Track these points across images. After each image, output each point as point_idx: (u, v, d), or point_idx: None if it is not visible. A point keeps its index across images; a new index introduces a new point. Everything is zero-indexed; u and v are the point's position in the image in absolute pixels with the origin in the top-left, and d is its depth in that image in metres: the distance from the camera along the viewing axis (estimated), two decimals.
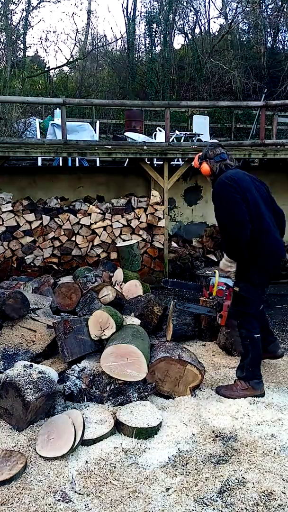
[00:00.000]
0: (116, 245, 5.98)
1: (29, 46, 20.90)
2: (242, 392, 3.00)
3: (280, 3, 17.28)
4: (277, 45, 18.41)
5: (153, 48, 17.61)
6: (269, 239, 2.97)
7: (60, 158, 8.58)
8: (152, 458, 2.38)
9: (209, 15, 21.21)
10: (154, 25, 17.58)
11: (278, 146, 7.52)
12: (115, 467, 2.30)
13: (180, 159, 8.28)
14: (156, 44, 18.11)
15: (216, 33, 19.25)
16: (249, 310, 3.03)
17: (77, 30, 23.02)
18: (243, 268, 3.03)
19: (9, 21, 16.52)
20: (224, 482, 2.19)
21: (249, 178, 3.07)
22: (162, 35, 18.08)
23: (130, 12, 18.83)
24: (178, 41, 34.26)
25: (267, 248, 2.96)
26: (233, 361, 3.67)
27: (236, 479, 2.21)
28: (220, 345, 3.93)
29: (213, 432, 2.63)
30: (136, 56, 18.86)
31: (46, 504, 2.03)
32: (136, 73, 17.83)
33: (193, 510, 2.01)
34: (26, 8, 17.11)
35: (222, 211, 2.94)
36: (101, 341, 3.21)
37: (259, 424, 2.72)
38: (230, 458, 2.39)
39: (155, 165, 7.79)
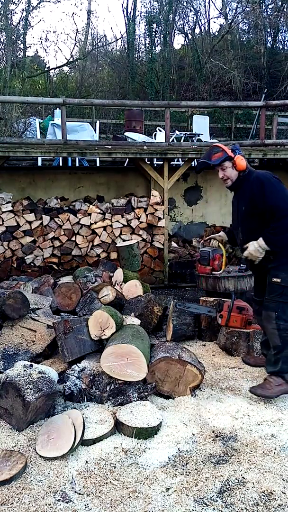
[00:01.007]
0: (116, 245, 5.98)
1: (29, 46, 20.97)
2: (277, 388, 2.95)
3: (280, 3, 17.28)
4: (277, 45, 18.43)
5: (153, 48, 17.61)
6: None
7: (60, 158, 8.59)
8: (152, 458, 2.38)
9: (209, 15, 21.19)
10: (154, 25, 17.59)
11: (278, 146, 7.52)
12: (115, 467, 2.30)
13: (180, 159, 8.28)
14: (156, 44, 18.12)
15: (216, 33, 19.27)
16: (287, 299, 3.02)
17: (77, 30, 23.04)
18: (284, 257, 2.98)
19: (9, 21, 16.52)
20: (224, 482, 2.19)
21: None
22: (162, 35, 18.09)
23: (130, 12, 18.85)
24: (178, 41, 34.29)
25: None
26: (233, 361, 3.67)
27: (236, 479, 2.21)
28: (220, 345, 3.93)
29: (213, 432, 2.63)
30: (136, 56, 18.85)
31: (46, 504, 2.03)
32: (136, 73, 17.82)
33: (193, 510, 2.01)
34: (26, 8, 17.12)
35: (276, 194, 2.94)
36: (101, 341, 3.21)
37: (259, 424, 2.72)
38: (230, 458, 2.39)
39: (155, 165, 7.79)
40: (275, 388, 2.94)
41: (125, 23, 18.83)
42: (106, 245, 6.45)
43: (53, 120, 9.30)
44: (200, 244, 3.57)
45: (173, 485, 2.16)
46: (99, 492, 2.11)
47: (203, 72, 17.08)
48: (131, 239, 6.29)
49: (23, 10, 17.16)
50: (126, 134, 9.37)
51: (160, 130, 9.94)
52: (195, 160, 6.79)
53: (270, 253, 3.00)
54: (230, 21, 18.07)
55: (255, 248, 3.01)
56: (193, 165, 6.98)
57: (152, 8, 18.48)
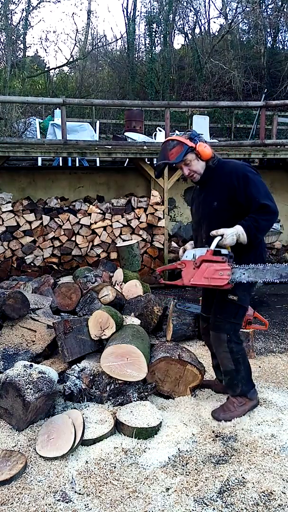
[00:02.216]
0: (116, 245, 5.98)
1: (29, 46, 20.98)
2: (241, 408, 2.75)
3: (280, 3, 17.28)
4: (277, 45, 18.44)
5: (153, 48, 17.61)
6: (265, 244, 2.82)
7: (60, 158, 8.59)
8: (152, 458, 2.38)
9: (209, 15, 21.22)
10: (154, 25, 17.58)
11: (278, 146, 7.52)
12: (115, 467, 2.30)
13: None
14: (156, 44, 18.12)
15: (216, 33, 19.27)
16: (241, 321, 2.78)
17: (77, 30, 23.04)
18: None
19: (9, 21, 16.52)
20: (224, 482, 2.19)
21: None
22: (162, 35, 18.08)
23: (130, 12, 18.85)
24: (178, 41, 34.29)
25: (264, 248, 2.79)
26: None
27: (236, 479, 2.21)
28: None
29: (213, 432, 2.63)
30: (136, 56, 18.86)
31: (46, 504, 2.03)
32: (136, 73, 17.83)
33: (193, 510, 2.01)
34: (26, 8, 17.12)
35: (258, 185, 2.54)
36: (101, 341, 3.21)
37: (259, 424, 2.72)
38: (230, 458, 2.39)
39: (155, 165, 7.79)
40: (238, 408, 2.75)
41: (125, 23, 18.85)
42: (106, 245, 6.45)
43: (53, 120, 9.30)
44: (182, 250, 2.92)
45: (173, 485, 2.16)
46: (99, 492, 2.11)
47: (203, 72, 17.08)
48: (131, 239, 6.29)
49: (23, 10, 17.18)
50: (126, 134, 9.38)
51: (160, 130, 9.94)
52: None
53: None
54: (230, 21, 18.07)
55: (233, 231, 2.51)
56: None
57: (152, 8, 18.49)
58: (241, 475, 2.24)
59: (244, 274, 2.52)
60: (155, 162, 7.92)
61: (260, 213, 2.50)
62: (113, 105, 11.64)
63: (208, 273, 2.53)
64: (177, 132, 10.14)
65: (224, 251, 2.54)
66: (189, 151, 2.59)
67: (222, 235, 2.51)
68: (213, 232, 2.53)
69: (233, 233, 2.50)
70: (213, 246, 2.54)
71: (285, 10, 17.10)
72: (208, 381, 3.21)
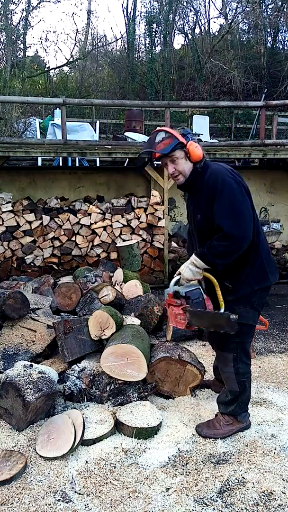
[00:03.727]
0: (116, 245, 5.98)
1: (29, 46, 20.99)
2: (227, 427, 2.57)
3: (280, 3, 17.28)
4: (277, 45, 18.45)
5: (153, 48, 17.61)
6: (269, 251, 2.49)
7: (60, 158, 8.59)
8: (152, 458, 2.38)
9: (209, 15, 21.26)
10: (154, 25, 17.58)
11: (278, 146, 7.52)
12: (115, 467, 2.30)
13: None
14: (156, 44, 18.12)
15: (216, 33, 19.28)
16: (249, 339, 2.52)
17: (77, 30, 23.06)
18: (244, 288, 2.40)
19: (9, 21, 16.52)
20: (224, 482, 2.19)
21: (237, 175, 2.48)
22: (162, 35, 18.09)
23: (130, 12, 18.87)
24: (178, 41, 34.33)
25: (269, 258, 2.47)
26: None
27: (236, 479, 2.21)
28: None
29: None
30: (136, 56, 18.86)
31: (46, 504, 2.03)
32: (136, 73, 17.83)
33: (193, 510, 2.01)
34: (26, 8, 17.12)
35: (224, 201, 2.25)
36: (101, 341, 3.21)
37: (259, 424, 2.72)
38: (230, 458, 2.39)
39: (155, 165, 7.79)
40: (224, 427, 2.57)
41: (125, 23, 18.86)
42: (106, 245, 6.45)
43: (53, 120, 9.30)
44: (172, 285, 2.48)
45: (173, 485, 2.16)
46: (99, 492, 2.11)
47: (203, 72, 17.08)
48: (131, 239, 6.29)
49: (23, 10, 17.18)
50: (126, 134, 9.38)
51: None
52: None
53: (229, 280, 2.41)
54: (230, 21, 18.08)
55: (191, 267, 2.37)
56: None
57: (152, 8, 18.49)
58: (241, 475, 2.24)
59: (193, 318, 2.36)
60: (155, 162, 7.93)
61: (218, 237, 2.27)
62: (113, 105, 11.64)
63: (172, 317, 2.45)
64: None
65: (183, 291, 2.37)
66: (179, 147, 2.35)
67: (180, 273, 2.40)
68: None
69: (187, 266, 2.38)
70: (170, 287, 2.42)
71: (285, 10, 17.10)
72: (207, 381, 3.18)
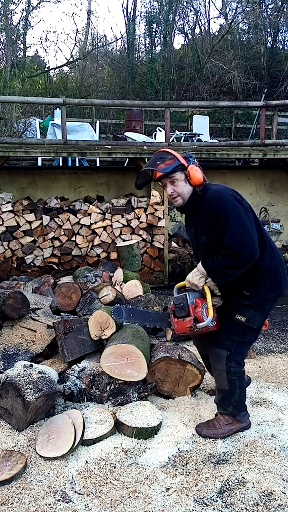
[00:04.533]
0: (116, 245, 5.98)
1: (29, 46, 21.00)
2: (227, 427, 2.57)
3: (280, 3, 17.29)
4: (277, 45, 18.47)
5: (153, 48, 17.62)
6: (279, 254, 2.53)
7: (60, 158, 8.59)
8: (152, 458, 2.38)
9: (209, 15, 21.25)
10: (154, 25, 17.60)
11: (278, 146, 7.52)
12: (115, 467, 2.30)
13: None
14: (156, 44, 18.14)
15: (216, 33, 19.30)
16: (246, 339, 2.52)
17: (77, 30, 23.07)
18: (261, 296, 2.44)
19: (9, 21, 16.53)
20: (224, 482, 2.19)
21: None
22: (162, 35, 18.10)
23: (130, 12, 18.87)
24: (178, 41, 34.37)
25: (283, 267, 2.49)
26: None
27: (236, 479, 2.21)
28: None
29: None
30: (136, 56, 18.87)
31: (46, 504, 2.03)
32: (136, 73, 17.84)
33: (193, 510, 2.01)
34: (26, 8, 17.13)
35: (230, 220, 2.28)
36: (101, 341, 3.21)
37: (259, 424, 2.72)
38: (230, 458, 2.39)
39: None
40: (224, 427, 2.57)
41: (125, 23, 18.86)
42: (106, 245, 6.45)
43: (53, 120, 9.31)
44: (175, 290, 2.70)
45: (173, 485, 2.16)
46: (99, 492, 2.11)
47: (203, 72, 17.09)
48: (131, 239, 6.29)
49: (23, 10, 17.20)
50: (126, 134, 9.38)
51: (160, 130, 9.95)
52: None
53: (246, 288, 2.44)
54: (230, 21, 18.09)
55: (196, 275, 2.44)
56: None
57: (152, 8, 18.51)
58: (241, 475, 2.24)
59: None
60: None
61: (224, 253, 2.32)
62: (113, 105, 11.64)
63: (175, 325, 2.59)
64: (177, 132, 10.16)
65: (174, 296, 2.57)
66: (179, 168, 2.38)
67: (188, 282, 2.49)
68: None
69: (193, 273, 2.45)
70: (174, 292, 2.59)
71: (285, 10, 17.11)
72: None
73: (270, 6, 17.88)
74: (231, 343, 2.48)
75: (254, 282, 2.42)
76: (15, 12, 19.16)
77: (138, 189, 2.79)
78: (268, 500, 2.06)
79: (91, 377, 2.93)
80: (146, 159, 6.90)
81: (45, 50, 28.56)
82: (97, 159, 8.84)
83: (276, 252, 2.50)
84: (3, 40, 16.37)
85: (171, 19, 18.40)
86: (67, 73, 19.61)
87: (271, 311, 2.64)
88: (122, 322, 2.87)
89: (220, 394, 2.59)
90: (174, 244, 7.22)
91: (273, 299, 2.51)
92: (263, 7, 17.55)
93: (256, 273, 2.40)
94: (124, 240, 6.31)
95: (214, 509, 2.02)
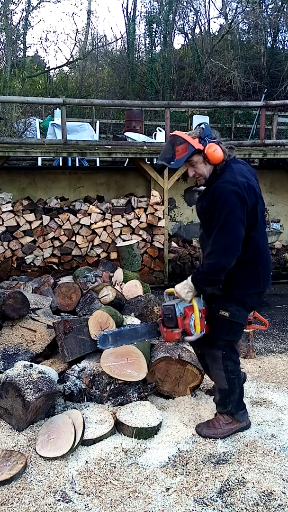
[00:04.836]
0: (116, 245, 5.98)
1: (29, 46, 21.00)
2: (226, 427, 2.57)
3: (280, 3, 17.28)
4: (277, 45, 18.44)
5: (153, 48, 17.61)
6: (267, 261, 2.50)
7: (60, 158, 8.59)
8: (152, 458, 2.38)
9: (209, 15, 21.25)
10: (154, 25, 17.58)
11: (278, 146, 7.52)
12: (115, 467, 2.30)
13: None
14: (156, 44, 18.12)
15: (216, 33, 19.27)
16: (238, 337, 2.56)
17: (77, 30, 23.06)
18: (234, 291, 2.43)
19: (9, 21, 16.52)
20: (224, 482, 2.19)
21: (254, 177, 2.45)
22: (162, 35, 18.08)
23: (130, 12, 18.85)
24: (178, 41, 34.36)
25: (266, 268, 2.47)
26: None
27: (236, 479, 2.21)
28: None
29: None
30: (136, 56, 18.85)
31: (46, 504, 2.03)
32: (136, 73, 17.82)
33: (193, 510, 2.01)
34: (26, 8, 17.11)
35: (223, 226, 2.27)
36: None
37: (259, 424, 2.72)
38: (230, 458, 2.39)
39: (155, 163, 7.79)
40: (224, 426, 2.57)
41: (125, 23, 18.85)
42: (106, 245, 6.45)
43: (53, 120, 9.30)
44: (165, 295, 2.66)
45: (173, 485, 2.16)
46: (99, 492, 2.11)
47: (203, 72, 17.08)
48: (131, 239, 6.29)
49: (23, 10, 17.17)
50: (126, 134, 9.37)
51: (160, 130, 9.94)
52: None
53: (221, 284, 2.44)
54: (230, 21, 18.07)
55: (184, 287, 2.42)
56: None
57: (152, 8, 18.49)
58: (241, 475, 2.24)
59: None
60: (155, 162, 7.92)
61: (208, 258, 2.34)
62: (113, 105, 11.64)
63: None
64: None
65: (162, 305, 2.52)
66: (195, 153, 2.31)
67: (176, 293, 2.47)
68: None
69: (182, 285, 2.44)
70: (163, 305, 2.53)
71: (285, 10, 17.10)
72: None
73: (270, 6, 17.87)
74: (224, 343, 2.49)
75: (228, 279, 2.39)
76: (15, 12, 19.20)
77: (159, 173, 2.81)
78: (268, 500, 2.06)
79: (91, 377, 2.93)
80: (146, 159, 6.91)
81: (45, 50, 28.58)
82: (97, 159, 8.84)
83: (263, 251, 2.46)
84: (3, 40, 16.36)
85: (171, 19, 18.38)
86: (67, 73, 19.61)
87: (265, 306, 2.62)
88: (110, 348, 2.81)
89: (220, 393, 2.59)
90: (174, 244, 7.22)
91: (254, 295, 2.48)
92: (263, 7, 17.54)
93: (231, 271, 2.37)
94: (124, 240, 6.31)
95: (214, 509, 2.02)
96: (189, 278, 2.43)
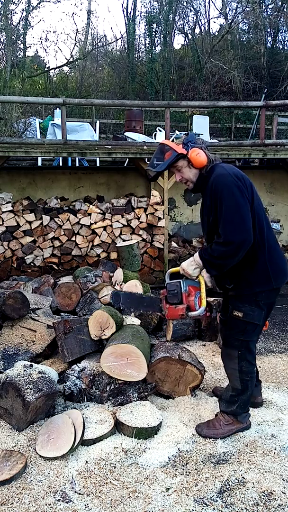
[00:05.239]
0: (116, 245, 5.98)
1: (29, 46, 21.00)
2: (227, 427, 2.57)
3: (280, 3, 17.28)
4: (277, 45, 18.45)
5: (153, 48, 17.61)
6: (278, 257, 2.48)
7: (60, 158, 8.59)
8: (152, 458, 2.38)
9: (209, 15, 21.27)
10: (154, 25, 17.58)
11: (278, 146, 7.52)
12: (115, 467, 2.30)
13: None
14: (156, 44, 18.13)
15: (216, 33, 19.28)
16: (253, 337, 2.51)
17: (77, 30, 23.07)
18: (244, 289, 2.44)
19: (9, 21, 16.52)
20: (224, 482, 2.19)
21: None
22: (162, 35, 18.09)
23: (130, 12, 18.86)
24: (178, 41, 34.39)
25: (276, 264, 2.44)
26: None
27: (236, 479, 2.21)
28: (220, 345, 3.93)
29: None
30: (136, 56, 18.86)
31: (46, 504, 2.03)
32: (136, 73, 17.83)
33: (193, 510, 2.01)
34: (26, 8, 17.12)
35: (224, 207, 2.28)
36: (101, 341, 3.21)
37: (259, 424, 2.72)
38: (230, 458, 2.39)
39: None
40: (224, 427, 2.57)
41: (125, 23, 18.85)
42: (106, 245, 6.45)
43: (53, 120, 9.30)
44: (166, 275, 2.71)
45: (173, 485, 2.16)
46: (99, 492, 2.11)
47: (203, 72, 17.09)
48: (131, 239, 6.29)
49: (23, 10, 17.18)
50: (126, 134, 9.37)
51: (160, 130, 9.95)
52: None
53: (226, 275, 2.46)
54: (230, 21, 18.08)
55: (191, 263, 2.45)
56: None
57: (152, 8, 18.51)
58: (241, 475, 2.24)
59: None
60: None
61: (216, 242, 2.33)
62: (113, 105, 11.64)
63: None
64: (177, 132, 10.15)
65: (166, 282, 2.60)
66: (179, 157, 2.42)
67: (182, 269, 2.51)
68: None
69: (189, 262, 2.47)
70: (167, 283, 2.59)
71: (285, 10, 17.11)
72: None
73: (270, 6, 17.87)
74: (239, 343, 2.49)
75: (236, 275, 2.43)
76: (15, 12, 19.21)
77: (153, 181, 3.05)
78: (268, 500, 2.06)
79: (91, 377, 2.94)
80: (146, 159, 6.90)
81: (45, 50, 28.60)
82: (97, 159, 8.84)
83: (270, 246, 2.45)
84: (3, 40, 16.37)
85: (171, 19, 18.39)
86: (67, 73, 19.61)
87: (273, 305, 2.60)
88: (119, 307, 3.04)
89: (231, 391, 2.59)
90: (174, 244, 7.22)
91: (265, 293, 2.46)
92: (263, 7, 17.54)
93: (239, 266, 2.39)
94: (124, 240, 6.31)
95: (214, 509, 2.02)
96: (196, 254, 2.45)
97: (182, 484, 2.17)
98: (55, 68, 18.77)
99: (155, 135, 10.13)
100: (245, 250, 2.30)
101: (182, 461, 2.35)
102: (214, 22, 33.27)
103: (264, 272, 2.41)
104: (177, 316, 2.52)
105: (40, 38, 30.55)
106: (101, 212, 6.41)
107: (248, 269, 2.41)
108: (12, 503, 2.04)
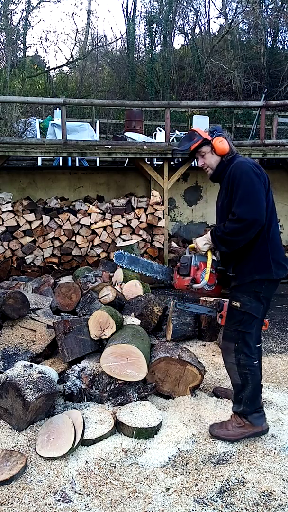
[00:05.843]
0: (116, 245, 5.98)
1: (29, 46, 21.01)
2: (238, 430, 2.53)
3: (280, 3, 17.28)
4: (277, 45, 18.44)
5: (153, 48, 17.61)
6: (279, 249, 2.54)
7: (60, 158, 8.59)
8: (152, 458, 2.38)
9: (209, 15, 21.27)
10: (154, 25, 17.58)
11: (278, 146, 7.52)
12: (115, 467, 2.30)
13: (180, 159, 8.28)
14: (156, 44, 18.13)
15: (216, 33, 19.28)
16: (251, 329, 2.51)
17: (77, 30, 23.08)
18: (246, 276, 2.48)
19: (9, 21, 16.52)
20: (224, 482, 2.19)
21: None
22: (162, 35, 18.09)
23: (130, 12, 18.85)
24: (178, 41, 34.40)
25: (277, 254, 2.51)
26: None
27: (236, 479, 2.21)
28: (220, 345, 3.93)
29: None
30: (136, 56, 18.86)
31: (46, 504, 2.03)
32: (136, 73, 17.82)
33: (193, 510, 2.01)
34: (26, 8, 17.12)
35: (240, 190, 2.40)
36: (101, 341, 3.21)
37: None
38: (230, 458, 2.39)
39: (155, 165, 7.79)
40: (236, 429, 2.54)
41: (125, 23, 18.85)
42: (106, 245, 6.45)
43: (53, 120, 9.30)
44: (186, 250, 2.91)
45: (173, 485, 2.16)
46: (99, 492, 2.11)
47: (203, 72, 17.08)
48: (131, 239, 6.29)
49: (23, 10, 17.19)
50: (126, 134, 9.38)
51: (160, 130, 9.95)
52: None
53: (231, 259, 2.55)
54: (230, 21, 18.08)
55: (203, 238, 2.63)
56: (193, 165, 6.98)
57: (152, 8, 18.49)
58: (241, 475, 2.24)
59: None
60: (155, 162, 7.93)
61: (230, 219, 2.44)
62: (113, 105, 11.64)
63: None
64: (177, 132, 10.15)
65: (184, 260, 2.76)
66: (204, 143, 2.59)
67: (195, 243, 2.67)
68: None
69: (202, 237, 2.63)
70: (182, 257, 2.77)
71: (285, 10, 17.11)
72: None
73: (270, 6, 17.88)
74: (236, 334, 2.51)
75: (239, 262, 2.52)
76: (15, 12, 19.21)
77: (177, 166, 3.06)
78: (268, 500, 2.06)
79: (91, 377, 2.94)
80: (146, 159, 6.91)
81: (45, 50, 28.60)
82: (97, 159, 8.84)
83: (274, 236, 2.54)
84: (3, 40, 16.38)
85: (171, 19, 18.39)
86: (67, 73, 19.61)
87: (270, 301, 2.61)
88: (123, 267, 3.09)
89: (234, 388, 2.59)
90: (174, 244, 7.22)
91: (266, 284, 2.49)
92: (263, 7, 17.55)
93: (242, 253, 2.49)
94: (124, 240, 6.31)
95: (214, 509, 2.02)
96: (210, 231, 2.59)
97: (182, 484, 2.17)
98: (55, 68, 18.78)
99: (155, 135, 10.13)
100: (255, 231, 2.40)
101: (182, 461, 2.35)
102: (214, 22, 33.30)
103: (265, 258, 2.48)
104: (183, 287, 2.69)
105: (40, 38, 30.61)
106: (101, 212, 6.41)
107: (250, 254, 2.48)
108: (12, 503, 2.04)
